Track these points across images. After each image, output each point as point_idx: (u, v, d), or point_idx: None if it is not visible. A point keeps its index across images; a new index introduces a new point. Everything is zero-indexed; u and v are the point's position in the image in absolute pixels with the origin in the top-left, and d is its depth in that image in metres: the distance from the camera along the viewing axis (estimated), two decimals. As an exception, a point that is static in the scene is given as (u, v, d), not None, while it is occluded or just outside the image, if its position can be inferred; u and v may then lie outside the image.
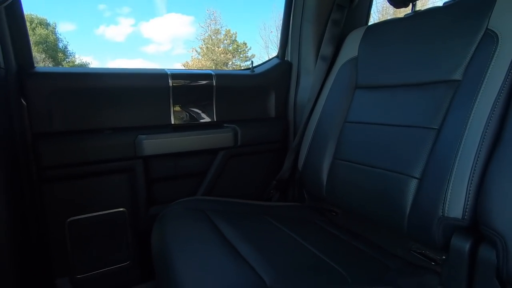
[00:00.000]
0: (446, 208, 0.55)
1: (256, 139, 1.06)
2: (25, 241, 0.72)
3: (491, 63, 0.58)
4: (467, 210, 0.53)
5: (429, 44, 0.70)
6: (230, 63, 17.29)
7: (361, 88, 0.85)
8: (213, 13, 18.60)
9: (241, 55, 17.53)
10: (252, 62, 1.09)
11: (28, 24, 0.80)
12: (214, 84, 0.98)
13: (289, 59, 1.14)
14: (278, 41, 1.14)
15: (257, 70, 1.09)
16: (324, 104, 0.93)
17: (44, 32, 15.68)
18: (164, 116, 0.93)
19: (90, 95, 0.83)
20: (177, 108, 0.95)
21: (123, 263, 0.92)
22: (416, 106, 0.69)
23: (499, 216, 0.48)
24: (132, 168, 0.89)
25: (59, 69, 0.84)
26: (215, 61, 16.94)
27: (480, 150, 0.54)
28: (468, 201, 0.53)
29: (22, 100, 0.75)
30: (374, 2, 1.11)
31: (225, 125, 1.02)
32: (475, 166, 0.54)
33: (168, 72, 0.92)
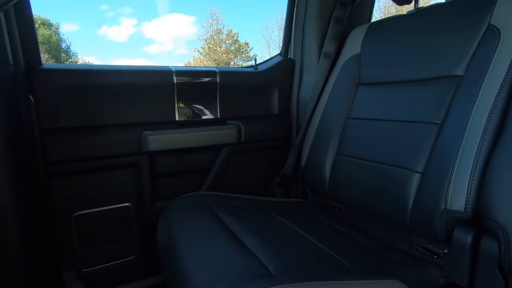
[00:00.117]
0: (449, 201, 0.56)
1: (260, 135, 1.07)
2: (33, 235, 0.74)
3: (493, 58, 0.58)
4: (469, 203, 0.54)
5: (431, 40, 0.71)
6: (232, 63, 17.30)
7: (364, 85, 0.85)
8: (215, 13, 18.69)
9: (243, 55, 17.55)
10: (255, 59, 1.10)
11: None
12: (217, 81, 0.99)
13: (292, 57, 1.15)
14: (280, 41, 1.15)
15: (260, 68, 1.10)
16: (326, 101, 0.94)
17: (47, 33, 15.77)
18: (169, 113, 0.94)
19: (96, 92, 0.84)
20: (182, 105, 0.96)
21: (128, 258, 0.93)
22: (419, 101, 0.69)
23: (501, 208, 0.49)
24: (137, 163, 0.90)
25: (66, 66, 0.85)
26: (217, 61, 16.96)
27: (482, 144, 0.54)
28: (470, 194, 0.54)
29: (30, 96, 0.76)
30: (376, 0, 1.12)
31: (228, 121, 1.03)
32: (477, 160, 0.54)
33: (173, 69, 0.93)
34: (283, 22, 1.12)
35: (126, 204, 0.91)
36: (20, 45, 0.73)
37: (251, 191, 1.03)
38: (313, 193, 1.00)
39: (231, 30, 17.45)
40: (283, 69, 1.12)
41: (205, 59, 17.21)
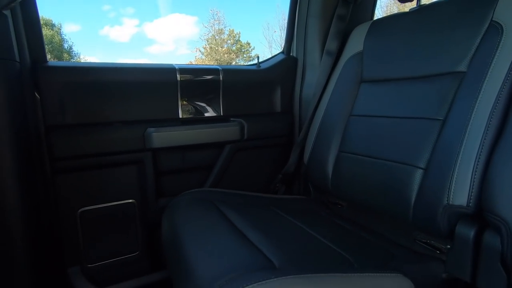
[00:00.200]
0: (451, 196, 0.56)
1: (262, 133, 1.07)
2: (38, 231, 0.75)
3: (495, 54, 0.59)
4: (471, 197, 0.54)
5: (434, 36, 0.71)
6: (233, 63, 17.31)
7: (367, 82, 0.86)
8: (216, 13, 18.67)
9: (244, 55, 17.55)
10: (258, 57, 1.10)
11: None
12: (220, 79, 1.00)
13: (294, 55, 1.15)
14: (282, 41, 1.16)
15: (263, 66, 1.11)
16: (329, 98, 0.94)
17: (50, 33, 15.83)
18: (172, 110, 0.95)
19: (101, 89, 0.85)
20: (185, 102, 0.96)
21: (132, 254, 0.94)
22: (421, 98, 0.69)
23: (504, 202, 0.49)
24: (141, 160, 0.91)
25: (71, 63, 0.86)
26: (218, 61, 16.97)
27: (484, 139, 0.55)
28: (472, 188, 0.54)
29: (36, 94, 0.77)
30: (378, -1, 1.12)
31: (231, 119, 1.03)
32: (480, 154, 0.55)
33: (176, 67, 0.94)
34: (285, 21, 1.13)
35: (130, 201, 0.92)
36: (26, 42, 0.74)
37: (254, 189, 1.03)
38: (316, 190, 1.00)
39: (233, 30, 17.46)
40: (285, 67, 1.12)
41: (206, 59, 17.23)
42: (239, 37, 17.54)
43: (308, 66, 1.11)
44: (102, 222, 0.90)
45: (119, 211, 0.91)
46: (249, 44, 17.67)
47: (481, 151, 0.55)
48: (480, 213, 0.54)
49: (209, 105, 1.01)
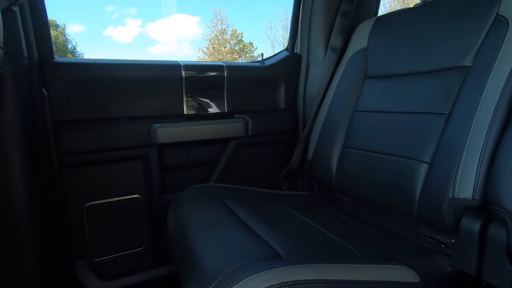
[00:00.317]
0: (456, 190, 0.57)
1: (266, 129, 1.08)
2: (46, 225, 0.75)
3: (501, 48, 0.59)
4: (477, 190, 0.54)
5: (438, 31, 0.71)
6: (236, 62, 17.30)
7: (371, 78, 0.86)
8: (219, 13, 18.68)
9: (247, 55, 17.54)
10: (262, 54, 1.11)
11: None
12: (225, 75, 1.00)
13: (298, 51, 1.15)
14: (284, 41, 1.16)
15: (267, 62, 1.11)
16: (333, 94, 0.95)
17: (54, 34, 15.94)
18: (177, 106, 0.96)
19: (107, 85, 0.86)
20: (190, 98, 0.97)
21: (138, 248, 0.95)
22: (426, 93, 0.69)
23: (509, 194, 0.49)
24: (146, 155, 0.92)
25: (78, 59, 0.87)
26: (221, 61, 16.98)
27: (490, 132, 0.55)
28: (478, 181, 0.54)
29: (43, 90, 0.78)
30: (382, -5, 1.12)
31: (236, 115, 1.04)
32: (485, 148, 0.55)
33: (181, 64, 0.95)
34: (288, 21, 1.13)
35: (136, 196, 0.93)
36: (34, 39, 0.75)
37: (258, 184, 1.04)
38: (320, 186, 1.01)
39: (236, 30, 17.46)
40: (289, 64, 1.13)
41: (209, 59, 17.25)
42: (241, 37, 17.55)
43: (312, 62, 1.12)
44: (108, 216, 0.90)
45: (125, 206, 0.92)
46: (251, 44, 17.67)
47: (486, 144, 0.55)
48: (486, 206, 0.54)
49: (213, 102, 1.01)
